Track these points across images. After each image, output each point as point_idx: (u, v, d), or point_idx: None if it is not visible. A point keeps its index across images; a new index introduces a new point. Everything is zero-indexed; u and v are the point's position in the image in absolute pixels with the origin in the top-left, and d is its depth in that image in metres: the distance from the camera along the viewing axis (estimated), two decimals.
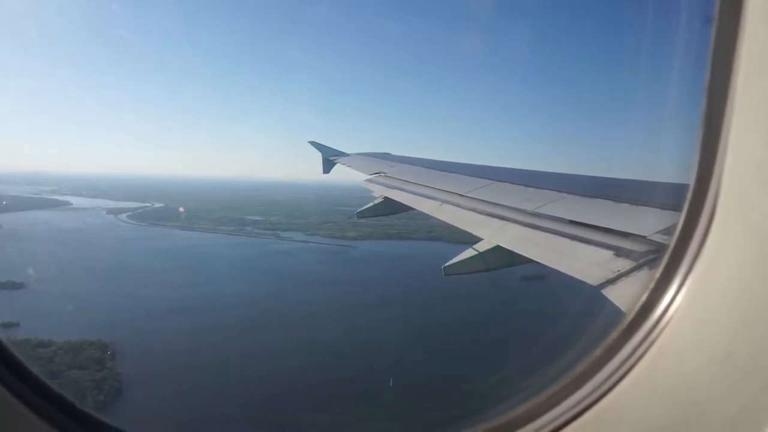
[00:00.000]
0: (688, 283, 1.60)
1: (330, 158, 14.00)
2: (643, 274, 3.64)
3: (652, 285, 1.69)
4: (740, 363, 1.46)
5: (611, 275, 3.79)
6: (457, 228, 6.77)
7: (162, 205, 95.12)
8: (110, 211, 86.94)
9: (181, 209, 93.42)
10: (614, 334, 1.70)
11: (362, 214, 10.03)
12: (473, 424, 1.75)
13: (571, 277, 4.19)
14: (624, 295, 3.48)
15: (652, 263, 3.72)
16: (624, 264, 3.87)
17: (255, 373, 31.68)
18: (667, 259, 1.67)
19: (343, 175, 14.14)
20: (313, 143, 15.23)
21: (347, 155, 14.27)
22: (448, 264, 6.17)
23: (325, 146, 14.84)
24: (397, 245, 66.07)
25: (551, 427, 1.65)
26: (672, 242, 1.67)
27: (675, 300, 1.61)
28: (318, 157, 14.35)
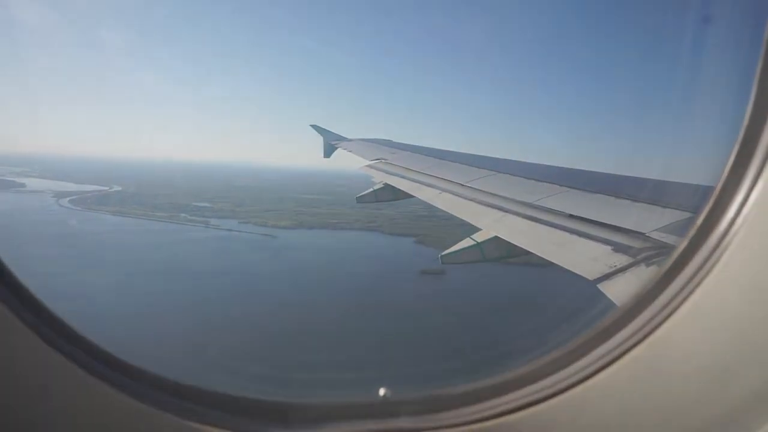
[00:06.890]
0: (740, 218, 1.44)
1: (331, 143, 13.94)
2: (640, 270, 3.64)
3: (700, 221, 1.52)
4: None
5: (608, 270, 3.79)
6: (455, 216, 6.76)
7: (120, 188, 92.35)
8: (58, 195, 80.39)
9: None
10: (661, 271, 1.56)
11: (361, 200, 10.10)
12: (514, 367, 1.63)
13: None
14: (619, 291, 3.48)
15: (649, 260, 3.72)
16: (621, 260, 3.88)
17: None
18: (716, 193, 1.49)
19: (344, 160, 14.04)
20: (314, 127, 15.17)
21: (349, 140, 14.20)
22: (445, 253, 6.17)
23: (327, 130, 14.79)
24: (325, 234, 62.02)
25: (590, 370, 1.55)
26: (720, 182, 1.49)
27: (728, 232, 1.46)
28: (320, 141, 14.32)
